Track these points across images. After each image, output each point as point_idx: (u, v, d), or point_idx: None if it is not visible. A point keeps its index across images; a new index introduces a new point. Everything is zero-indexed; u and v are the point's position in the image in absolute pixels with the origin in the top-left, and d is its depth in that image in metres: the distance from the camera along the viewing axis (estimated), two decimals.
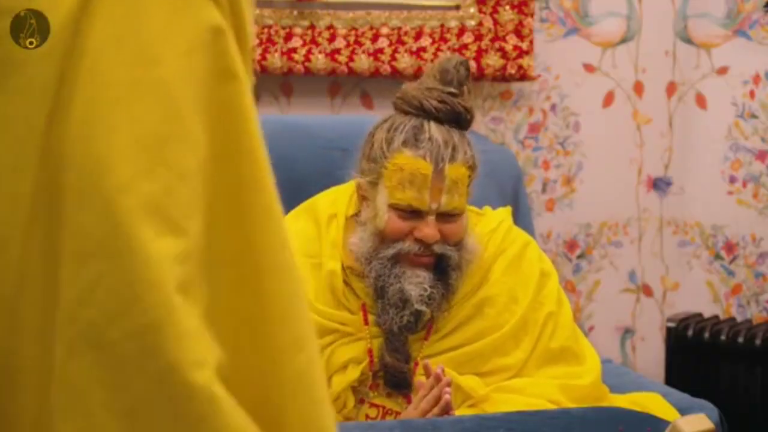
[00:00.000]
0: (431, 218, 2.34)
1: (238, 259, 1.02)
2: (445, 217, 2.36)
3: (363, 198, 2.43)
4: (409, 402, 2.36)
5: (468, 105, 2.40)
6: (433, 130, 2.36)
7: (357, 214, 2.47)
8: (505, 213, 2.56)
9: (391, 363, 2.36)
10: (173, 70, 0.97)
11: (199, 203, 0.99)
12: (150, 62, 0.97)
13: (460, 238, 2.38)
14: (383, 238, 2.36)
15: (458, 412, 2.32)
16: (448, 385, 2.26)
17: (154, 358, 0.95)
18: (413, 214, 2.35)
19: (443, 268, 2.37)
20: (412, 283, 2.35)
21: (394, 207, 2.35)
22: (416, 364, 2.41)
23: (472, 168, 2.40)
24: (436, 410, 2.25)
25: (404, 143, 2.35)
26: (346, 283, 2.43)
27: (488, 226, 2.50)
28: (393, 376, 2.37)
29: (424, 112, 2.37)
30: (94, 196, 0.95)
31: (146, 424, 0.95)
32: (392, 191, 2.35)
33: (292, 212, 2.57)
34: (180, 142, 0.97)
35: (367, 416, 2.40)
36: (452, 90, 2.40)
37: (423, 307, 2.35)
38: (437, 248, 2.35)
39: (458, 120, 2.39)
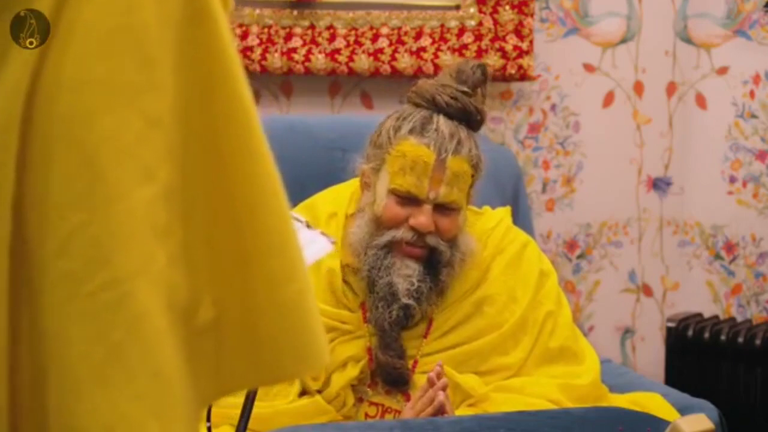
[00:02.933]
0: (428, 207, 2.36)
1: (220, 197, 1.03)
2: (442, 209, 2.37)
3: (365, 186, 2.44)
4: (408, 400, 2.36)
5: (480, 107, 2.42)
6: (442, 123, 2.38)
7: (357, 212, 2.47)
8: (504, 212, 2.56)
9: (384, 360, 2.37)
10: (148, 16, 0.98)
11: (172, 147, 1.00)
12: (128, 10, 0.98)
13: (454, 234, 2.39)
14: (379, 224, 2.37)
15: (458, 412, 2.32)
16: (444, 387, 2.26)
17: (129, 307, 0.96)
18: (411, 201, 2.36)
19: (434, 264, 2.37)
20: (401, 275, 2.36)
21: (393, 192, 2.37)
22: (415, 362, 2.41)
23: (476, 168, 2.40)
24: (429, 410, 2.25)
25: (411, 131, 2.37)
26: (345, 282, 2.44)
27: (487, 225, 2.50)
28: (388, 374, 2.37)
29: (435, 106, 2.40)
30: (78, 148, 0.96)
31: (119, 372, 0.96)
32: (393, 176, 2.37)
33: (293, 211, 2.57)
34: (152, 90, 0.98)
35: (366, 415, 2.40)
36: (466, 89, 2.42)
37: (410, 301, 2.36)
38: (430, 240, 2.36)
39: (468, 119, 2.40)
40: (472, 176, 2.41)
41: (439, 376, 2.26)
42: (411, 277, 2.36)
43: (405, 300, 2.36)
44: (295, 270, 1.07)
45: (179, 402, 1.00)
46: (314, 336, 1.07)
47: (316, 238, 1.76)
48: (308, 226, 1.74)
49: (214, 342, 1.04)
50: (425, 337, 2.42)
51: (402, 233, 2.36)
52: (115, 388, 0.96)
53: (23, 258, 0.96)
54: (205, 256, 1.03)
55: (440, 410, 2.25)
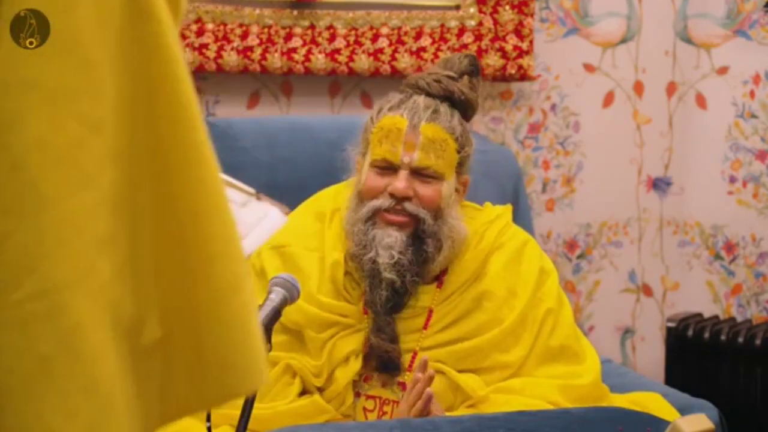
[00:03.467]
0: (404, 173, 2.38)
1: (165, 205, 0.99)
2: (421, 176, 2.39)
3: (357, 173, 2.48)
4: (404, 389, 2.36)
5: (465, 91, 2.44)
6: (420, 99, 2.44)
7: None
8: (504, 209, 2.57)
9: (376, 343, 2.37)
10: (85, 16, 0.95)
11: (114, 153, 0.96)
12: (63, 9, 0.94)
13: (436, 204, 2.39)
14: (361, 198, 2.40)
15: (458, 413, 2.32)
16: (431, 378, 2.26)
17: (60, 319, 0.92)
18: (389, 170, 2.39)
19: (418, 235, 2.38)
20: (383, 246, 2.37)
21: (372, 165, 2.41)
22: (414, 354, 2.41)
23: (459, 142, 2.42)
24: (419, 404, 2.24)
25: (389, 108, 2.43)
26: (348, 273, 2.44)
27: (486, 218, 2.51)
28: (380, 357, 2.37)
29: (417, 89, 2.46)
30: (5, 153, 0.92)
31: (48, 387, 0.92)
32: (373, 150, 2.41)
33: (296, 209, 2.59)
34: (91, 93, 0.95)
35: (364, 409, 2.40)
36: (451, 74, 2.47)
37: (392, 276, 2.36)
38: (410, 207, 2.38)
39: (451, 99, 2.45)
40: (458, 152, 2.42)
41: (423, 368, 2.26)
42: (392, 249, 2.37)
43: (387, 275, 2.36)
44: (239, 281, 1.02)
45: (121, 423, 0.95)
46: (257, 353, 1.03)
47: (268, 211, 1.72)
48: (258, 197, 1.70)
49: (161, 363, 1.00)
50: (425, 328, 2.42)
51: (381, 201, 2.39)
52: (45, 404, 0.92)
53: None
54: (152, 271, 0.99)
55: (427, 403, 2.25)
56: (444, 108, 2.43)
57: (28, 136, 0.92)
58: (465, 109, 2.47)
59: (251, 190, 1.69)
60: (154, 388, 1.00)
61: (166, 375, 1.00)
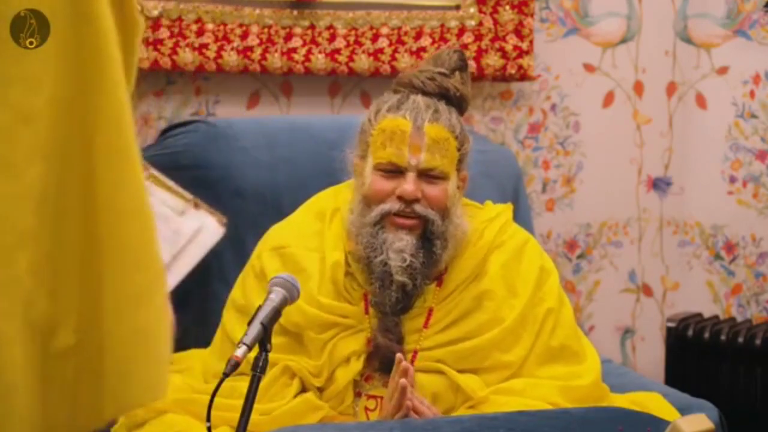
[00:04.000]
0: (411, 175, 2.38)
1: (89, 206, 0.97)
2: (427, 177, 2.39)
3: (357, 176, 2.48)
4: None
5: (459, 87, 2.45)
6: (419, 99, 2.44)
7: None
8: (504, 207, 2.57)
9: (383, 344, 2.37)
10: (22, 9, 0.94)
11: (43, 148, 0.95)
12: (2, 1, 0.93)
13: (443, 204, 2.40)
14: (369, 202, 2.40)
15: (458, 413, 2.32)
16: (405, 371, 2.25)
17: None
18: (395, 173, 2.39)
19: (427, 236, 2.38)
20: (394, 250, 2.37)
21: (376, 168, 2.40)
22: (414, 354, 2.41)
23: (459, 140, 2.43)
24: (399, 415, 2.25)
25: (388, 110, 2.43)
26: (349, 274, 2.44)
27: (486, 216, 2.51)
28: (386, 357, 2.37)
29: (413, 88, 2.46)
30: None
31: None
32: (376, 153, 2.40)
33: (296, 210, 2.59)
34: (25, 83, 0.94)
35: (366, 408, 2.40)
36: (442, 71, 2.47)
37: (404, 279, 2.36)
38: (419, 209, 2.38)
39: (447, 96, 2.45)
40: (458, 149, 2.42)
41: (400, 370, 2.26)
42: (404, 252, 2.37)
43: (399, 278, 2.36)
44: (148, 291, 1.01)
45: (22, 418, 0.94)
46: (161, 365, 1.02)
47: (206, 222, 1.70)
48: (196, 205, 1.66)
49: (73, 371, 0.98)
50: (425, 327, 2.42)
51: (390, 205, 2.38)
52: None
53: None
54: (72, 274, 0.97)
55: (404, 395, 2.24)
56: (442, 106, 2.43)
57: None
58: (460, 104, 2.48)
59: (189, 196, 1.66)
60: (64, 396, 0.98)
61: (76, 384, 0.98)
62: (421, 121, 2.39)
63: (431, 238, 2.38)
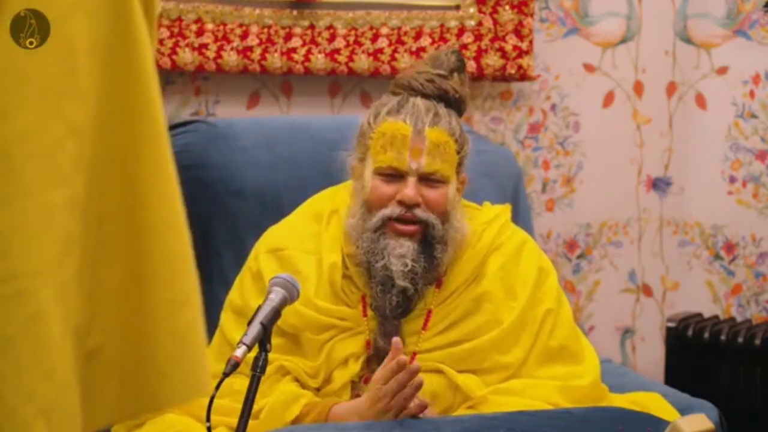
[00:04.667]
0: (412, 179, 2.38)
1: (127, 215, 1.03)
2: (428, 181, 2.39)
3: (356, 179, 2.47)
4: None
5: (458, 88, 2.44)
6: (418, 101, 2.43)
7: None
8: (503, 208, 2.57)
9: (384, 347, 2.37)
10: (78, 28, 0.98)
11: (88, 159, 1.00)
12: (62, 17, 0.97)
13: (444, 208, 2.40)
14: (369, 207, 2.39)
15: (458, 413, 2.32)
16: (398, 350, 2.24)
17: (25, 304, 0.95)
18: (396, 177, 2.39)
19: (428, 240, 2.38)
20: (396, 255, 2.36)
21: (377, 172, 2.40)
22: (413, 356, 2.41)
23: (458, 143, 2.43)
24: (390, 365, 2.23)
25: (388, 113, 2.42)
26: (347, 276, 2.44)
27: (485, 218, 2.51)
28: (382, 361, 2.37)
29: (411, 90, 2.45)
30: None
31: (8, 368, 0.95)
32: (376, 157, 2.40)
33: (294, 212, 2.58)
34: (76, 97, 0.98)
35: None
36: (441, 72, 2.47)
37: (406, 283, 2.36)
38: (420, 213, 2.37)
39: (446, 99, 2.45)
40: (458, 152, 2.42)
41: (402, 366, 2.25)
42: (405, 258, 2.36)
43: (400, 282, 2.36)
44: (190, 296, 1.07)
45: (75, 413, 0.98)
46: (202, 366, 1.07)
47: None
48: None
49: (97, 370, 1.03)
50: (424, 328, 2.42)
51: (391, 210, 2.38)
52: (5, 384, 0.95)
53: None
54: (105, 278, 1.02)
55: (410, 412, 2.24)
56: (442, 109, 2.43)
57: (15, 128, 0.96)
58: (459, 106, 2.47)
59: None
60: (86, 394, 1.02)
61: (95, 383, 1.03)
62: (421, 125, 2.39)
63: (432, 243, 2.38)
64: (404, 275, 2.36)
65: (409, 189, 2.37)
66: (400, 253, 2.36)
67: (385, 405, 2.23)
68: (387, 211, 2.38)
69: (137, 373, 1.04)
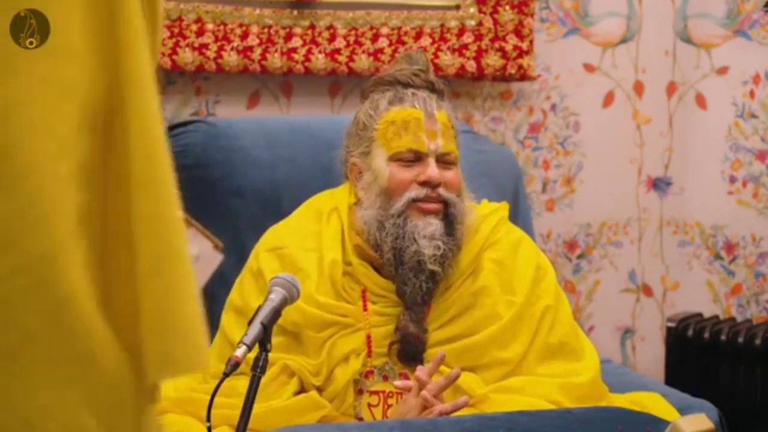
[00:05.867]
0: (432, 160, 2.42)
1: (122, 204, 0.98)
2: (444, 163, 2.43)
3: (357, 176, 2.47)
4: (406, 379, 2.36)
5: (439, 80, 2.53)
6: (416, 91, 2.48)
7: (358, 202, 2.48)
8: (499, 206, 2.58)
9: (414, 332, 2.38)
10: (81, 20, 0.96)
11: (83, 118, 0.95)
12: (66, 11, 0.95)
13: (459, 187, 2.45)
14: (389, 195, 2.40)
15: (458, 412, 2.32)
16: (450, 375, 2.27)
17: (46, 291, 0.89)
18: (414, 161, 2.42)
19: (450, 220, 2.41)
20: (425, 236, 2.39)
21: (394, 158, 2.42)
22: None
23: (455, 128, 2.49)
24: (442, 382, 2.25)
25: (390, 103, 2.46)
26: (347, 273, 2.44)
27: (481, 212, 2.53)
28: (410, 345, 2.38)
29: (400, 84, 2.49)
30: None
31: (36, 362, 0.90)
32: (389, 144, 2.43)
33: (293, 212, 2.59)
34: (58, 58, 0.94)
35: (369, 405, 2.40)
36: (420, 67, 2.52)
37: (436, 268, 2.37)
38: (443, 192, 2.42)
39: (433, 89, 2.49)
40: (456, 137, 2.49)
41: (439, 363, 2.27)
42: (435, 239, 2.38)
43: (431, 266, 2.37)
44: (166, 261, 1.00)
45: (121, 390, 0.94)
46: (185, 341, 1.00)
47: (202, 248, 1.63)
48: (188, 223, 1.60)
49: None
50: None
51: (416, 192, 2.41)
52: (33, 378, 0.89)
53: None
54: (111, 244, 0.97)
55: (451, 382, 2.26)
56: (436, 98, 2.48)
57: (8, 97, 0.91)
58: (442, 98, 2.51)
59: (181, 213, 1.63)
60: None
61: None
62: (430, 108, 2.44)
63: (453, 222, 2.41)
64: (436, 259, 2.38)
65: (432, 169, 2.40)
66: (430, 233, 2.39)
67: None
68: (411, 194, 2.40)
69: (128, 346, 0.98)
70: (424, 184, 2.40)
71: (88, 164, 0.94)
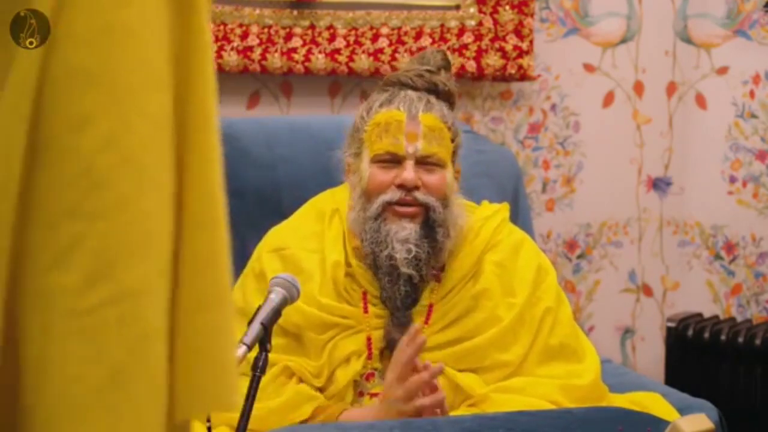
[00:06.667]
0: (410, 163, 2.39)
1: (200, 205, 0.95)
2: (426, 165, 2.41)
3: (351, 176, 2.48)
4: None
5: (446, 81, 2.47)
6: (410, 93, 2.46)
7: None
8: (500, 207, 2.57)
9: (396, 338, 2.37)
10: (139, 11, 0.92)
11: (170, 151, 0.94)
12: (118, 5, 0.92)
13: (443, 192, 2.41)
14: (369, 196, 2.40)
15: (458, 412, 2.32)
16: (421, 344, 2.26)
17: (134, 325, 0.88)
18: (393, 163, 2.40)
19: (430, 224, 2.38)
20: (399, 240, 2.37)
21: (374, 160, 2.41)
22: None
23: (452, 131, 2.46)
24: (408, 354, 2.24)
25: (381, 104, 2.45)
26: (349, 274, 2.44)
27: (482, 214, 2.52)
28: None
29: (402, 85, 2.48)
30: (72, 154, 0.88)
31: (121, 397, 0.88)
32: (372, 146, 2.42)
33: (295, 213, 2.59)
34: (152, 89, 0.92)
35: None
36: (430, 68, 2.50)
37: (410, 271, 2.36)
38: (420, 196, 2.39)
39: (436, 91, 2.48)
40: (452, 141, 2.45)
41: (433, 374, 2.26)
42: (408, 242, 2.37)
43: (405, 270, 2.37)
44: (213, 299, 0.98)
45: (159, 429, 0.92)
46: (219, 377, 0.98)
47: None
48: None
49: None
50: (426, 323, 2.42)
51: (390, 195, 2.39)
52: (117, 415, 0.88)
53: (21, 272, 0.88)
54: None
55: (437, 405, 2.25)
56: (433, 99, 2.46)
57: (95, 137, 0.89)
58: (449, 100, 2.50)
59: None
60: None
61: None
62: (415, 110, 2.41)
63: (433, 226, 2.39)
64: (408, 262, 2.37)
65: (408, 172, 2.38)
66: (404, 237, 2.37)
67: (398, 409, 2.24)
68: (386, 197, 2.39)
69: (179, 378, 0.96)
70: (400, 187, 2.39)
71: (173, 200, 0.93)
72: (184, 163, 0.96)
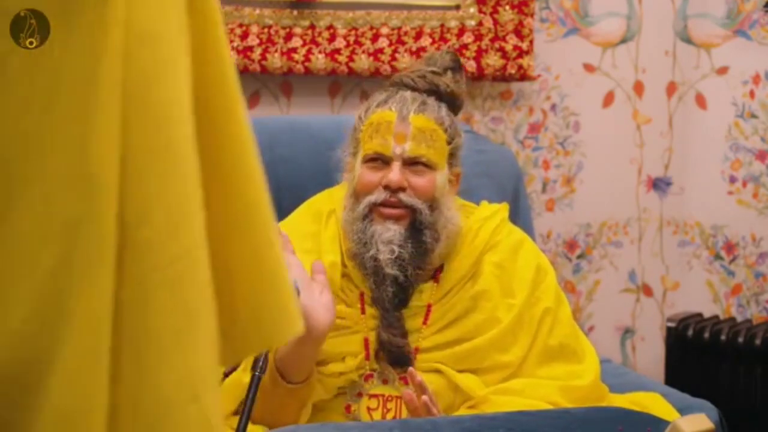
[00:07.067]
0: (397, 164, 2.38)
1: (225, 171, 1.09)
2: (414, 167, 2.40)
3: (348, 173, 2.48)
4: (406, 384, 2.36)
5: (450, 84, 2.46)
6: (407, 93, 2.45)
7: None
8: (499, 207, 2.57)
9: (387, 339, 2.37)
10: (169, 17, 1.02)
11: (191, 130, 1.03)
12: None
13: (431, 194, 2.40)
14: (357, 196, 2.40)
15: (458, 413, 2.32)
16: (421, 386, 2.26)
17: (198, 275, 1.00)
18: (382, 163, 2.40)
19: (416, 227, 2.38)
20: (383, 241, 2.36)
21: (364, 160, 2.41)
22: (417, 349, 2.41)
23: (448, 133, 2.44)
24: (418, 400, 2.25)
25: (377, 105, 2.44)
26: (345, 275, 2.44)
27: (482, 214, 2.51)
28: (392, 353, 2.38)
29: (403, 86, 2.47)
30: (149, 112, 0.98)
31: (197, 339, 0.99)
32: (364, 146, 2.42)
33: (292, 213, 2.58)
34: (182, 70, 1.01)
35: (368, 408, 2.40)
36: (434, 69, 2.49)
37: (394, 271, 2.36)
38: (405, 198, 2.38)
39: (437, 93, 2.46)
40: (448, 143, 2.43)
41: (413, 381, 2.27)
42: (392, 243, 2.36)
43: (389, 270, 2.36)
44: (272, 236, 1.14)
45: (217, 386, 1.03)
46: (285, 306, 1.10)
47: None
48: None
49: None
50: (425, 323, 2.42)
51: (376, 196, 2.39)
52: (196, 356, 0.98)
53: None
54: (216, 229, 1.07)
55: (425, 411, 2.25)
56: (431, 101, 2.44)
57: (180, 114, 0.99)
58: (451, 102, 2.48)
59: None
60: None
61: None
62: (406, 111, 2.40)
63: (420, 228, 2.38)
64: (392, 262, 2.36)
65: (393, 173, 2.37)
66: (387, 238, 2.37)
67: None
68: (372, 198, 2.39)
69: (242, 302, 1.07)
70: (385, 188, 2.38)
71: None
72: (225, 135, 1.08)
